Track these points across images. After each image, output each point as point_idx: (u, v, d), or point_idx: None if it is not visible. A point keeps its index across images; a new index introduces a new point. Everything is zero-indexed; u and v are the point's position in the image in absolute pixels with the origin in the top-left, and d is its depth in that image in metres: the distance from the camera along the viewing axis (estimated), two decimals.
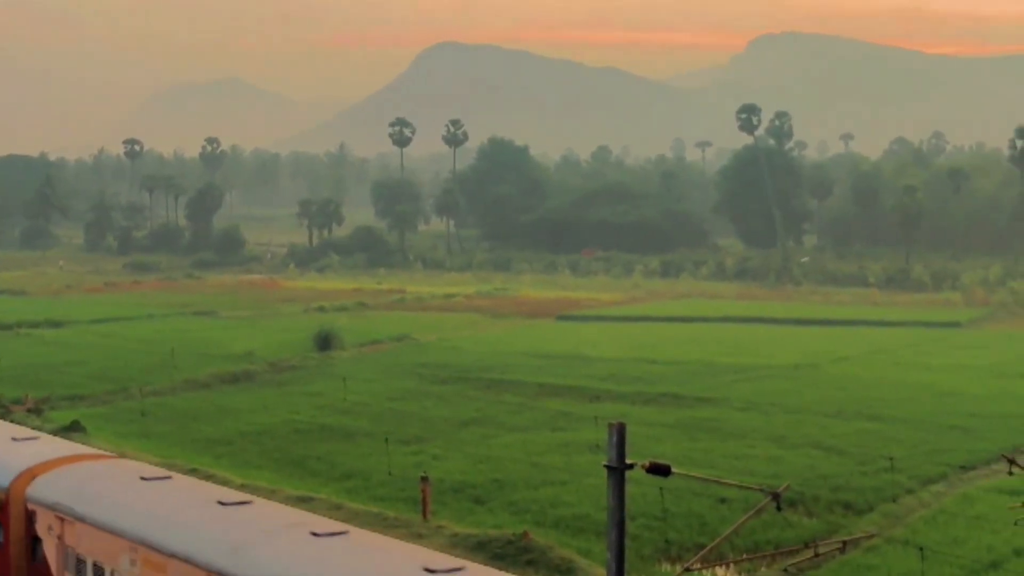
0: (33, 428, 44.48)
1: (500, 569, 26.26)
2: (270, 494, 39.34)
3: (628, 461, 17.46)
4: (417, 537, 36.68)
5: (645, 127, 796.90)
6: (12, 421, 46.30)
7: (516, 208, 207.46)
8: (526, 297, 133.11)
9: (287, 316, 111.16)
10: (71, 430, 53.71)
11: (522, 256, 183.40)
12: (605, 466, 17.51)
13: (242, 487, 40.43)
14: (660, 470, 17.98)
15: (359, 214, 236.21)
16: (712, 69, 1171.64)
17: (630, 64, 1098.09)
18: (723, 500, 42.28)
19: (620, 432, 17.51)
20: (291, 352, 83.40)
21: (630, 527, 27.57)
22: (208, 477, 41.82)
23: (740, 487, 37.10)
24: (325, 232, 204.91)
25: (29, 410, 60.64)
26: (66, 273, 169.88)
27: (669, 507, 39.74)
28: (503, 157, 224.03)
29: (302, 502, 40.85)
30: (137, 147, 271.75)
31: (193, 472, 43.43)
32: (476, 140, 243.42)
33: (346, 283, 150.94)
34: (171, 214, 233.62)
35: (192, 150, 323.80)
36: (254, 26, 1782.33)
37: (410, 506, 42.64)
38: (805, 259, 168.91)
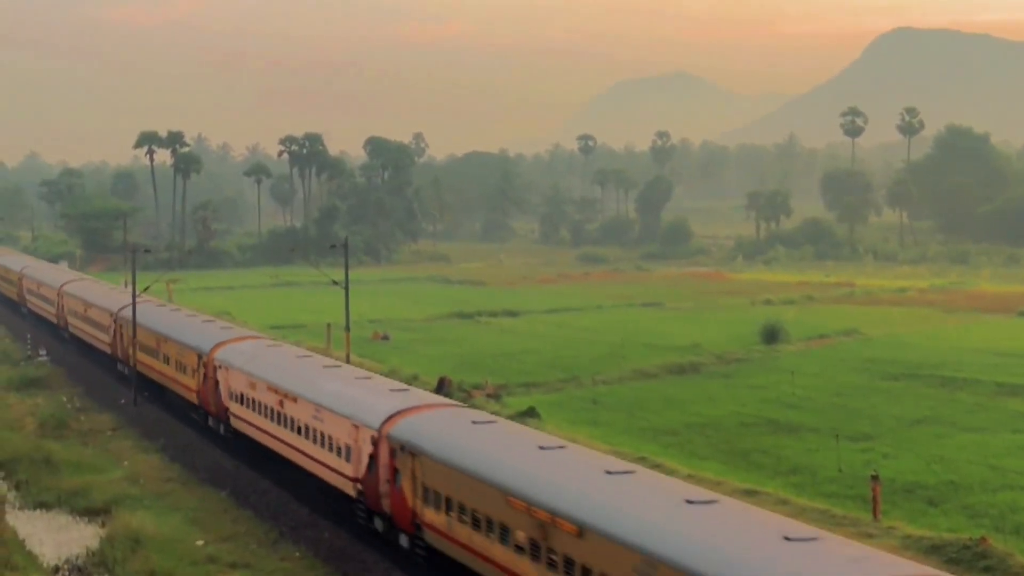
0: (491, 413, 46.62)
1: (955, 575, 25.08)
2: (715, 486, 39.49)
3: None
4: (867, 537, 35.78)
5: None
6: (473, 406, 48.47)
7: (974, 199, 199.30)
8: (984, 291, 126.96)
9: (732, 308, 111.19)
10: (527, 415, 56.04)
11: (980, 249, 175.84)
12: None
13: (688, 478, 40.87)
14: None
15: (807, 206, 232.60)
16: None
17: None
18: None
19: None
20: (737, 345, 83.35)
21: None
22: (655, 466, 42.44)
23: None
24: (772, 224, 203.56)
25: (488, 395, 63.63)
26: (516, 265, 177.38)
27: None
28: (961, 145, 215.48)
29: (747, 495, 40.77)
30: (590, 142, 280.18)
31: (641, 460, 44.19)
32: (932, 128, 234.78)
33: (793, 276, 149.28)
34: (621, 207, 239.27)
35: (642, 144, 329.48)
36: (702, 21, 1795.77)
37: (859, 504, 41.71)
38: None
